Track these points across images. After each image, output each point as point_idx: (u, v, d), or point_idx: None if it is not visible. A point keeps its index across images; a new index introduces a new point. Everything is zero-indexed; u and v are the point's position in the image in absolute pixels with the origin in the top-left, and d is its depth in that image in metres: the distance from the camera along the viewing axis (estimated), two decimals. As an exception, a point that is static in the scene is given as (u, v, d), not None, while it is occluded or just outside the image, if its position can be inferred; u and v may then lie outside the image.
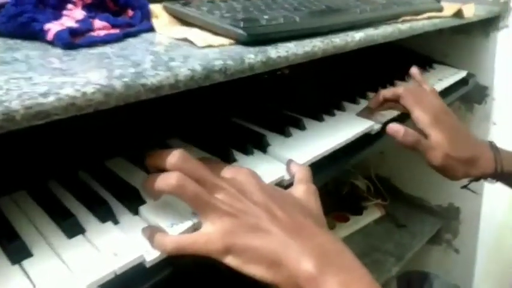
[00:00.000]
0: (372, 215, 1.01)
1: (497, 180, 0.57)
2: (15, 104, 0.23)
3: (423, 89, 0.55)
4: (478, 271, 1.00)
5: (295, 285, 0.29)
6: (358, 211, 1.01)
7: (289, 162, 0.41)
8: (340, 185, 1.03)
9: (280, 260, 0.29)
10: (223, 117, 0.53)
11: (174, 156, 0.32)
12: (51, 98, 0.24)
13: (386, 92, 0.53)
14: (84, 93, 0.26)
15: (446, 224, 1.02)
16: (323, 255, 0.29)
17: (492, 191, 0.91)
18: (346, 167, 0.49)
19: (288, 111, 0.55)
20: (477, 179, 0.58)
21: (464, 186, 0.62)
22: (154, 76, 0.29)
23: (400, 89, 0.53)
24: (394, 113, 0.57)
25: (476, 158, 0.53)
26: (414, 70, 0.57)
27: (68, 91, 0.25)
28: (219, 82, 0.34)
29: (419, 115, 0.50)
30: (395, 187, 1.10)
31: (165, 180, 0.30)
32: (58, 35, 0.36)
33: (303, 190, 0.36)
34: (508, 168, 0.54)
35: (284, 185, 0.41)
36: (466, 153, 0.51)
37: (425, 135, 0.50)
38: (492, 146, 0.56)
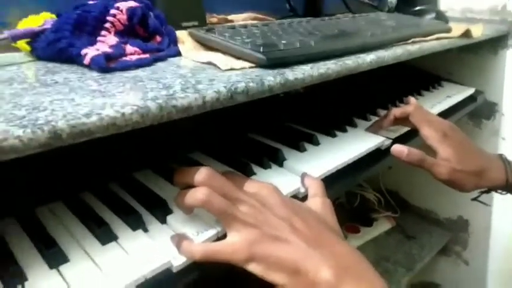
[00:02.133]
0: (382, 226, 1.03)
1: (507, 192, 0.58)
2: (62, 124, 0.26)
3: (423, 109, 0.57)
4: (490, 283, 1.00)
5: None
6: (369, 223, 1.03)
7: (303, 176, 0.44)
8: (351, 197, 1.05)
9: (301, 268, 0.31)
10: (242, 133, 0.56)
11: (202, 174, 0.34)
12: (93, 118, 0.27)
13: (397, 111, 0.56)
14: (123, 114, 0.28)
15: (455, 236, 1.04)
16: (342, 265, 0.31)
17: (502, 204, 0.92)
18: (358, 181, 0.51)
19: (303, 127, 0.58)
20: (488, 191, 0.60)
21: (475, 199, 0.63)
22: (184, 98, 0.32)
23: (409, 107, 0.55)
24: (404, 128, 0.59)
25: (486, 170, 0.54)
26: (409, 98, 0.60)
27: (108, 112, 0.28)
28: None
29: (428, 132, 0.53)
30: (404, 200, 1.12)
31: (194, 196, 0.33)
32: (94, 59, 0.39)
33: (320, 203, 0.39)
34: None
35: (300, 197, 0.43)
36: (474, 165, 0.53)
37: (434, 151, 0.52)
38: (502, 158, 0.58)
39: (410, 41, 0.57)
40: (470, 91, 0.79)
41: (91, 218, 0.37)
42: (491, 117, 0.88)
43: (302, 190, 0.43)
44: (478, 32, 0.69)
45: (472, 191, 0.55)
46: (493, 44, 0.81)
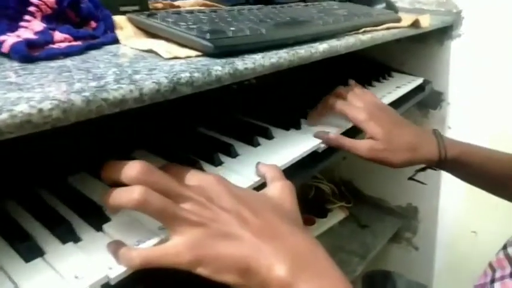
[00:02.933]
0: (337, 216, 1.04)
1: (441, 168, 0.59)
2: None
3: (355, 91, 0.56)
4: (438, 267, 1.05)
5: None
6: (324, 214, 1.03)
7: (257, 165, 0.41)
8: (306, 189, 1.05)
9: (252, 266, 0.29)
10: (191, 127, 0.52)
11: (134, 168, 0.30)
12: (4, 115, 0.23)
13: (322, 110, 0.55)
14: (41, 110, 0.24)
15: (406, 223, 1.07)
16: (296, 259, 0.29)
17: (448, 190, 0.96)
18: (313, 174, 0.50)
19: (255, 120, 0.55)
20: (423, 168, 0.60)
21: (411, 178, 0.64)
22: (117, 90, 0.28)
23: (329, 100, 0.54)
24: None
25: (418, 145, 0.54)
26: (350, 82, 0.61)
27: (22, 107, 0.24)
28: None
29: (353, 115, 0.52)
30: (358, 190, 1.14)
31: (127, 196, 0.29)
32: (14, 47, 0.34)
33: (278, 188, 0.36)
34: (451, 154, 0.55)
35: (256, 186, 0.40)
36: (404, 141, 0.53)
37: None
38: (436, 133, 0.57)
39: (361, 30, 0.56)
40: (418, 81, 0.81)
41: (13, 231, 0.32)
42: (437, 107, 0.90)
43: (257, 179, 0.40)
44: (426, 22, 0.70)
45: (403, 166, 0.54)
46: (439, 34, 0.83)
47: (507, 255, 0.44)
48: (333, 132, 0.52)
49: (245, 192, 0.34)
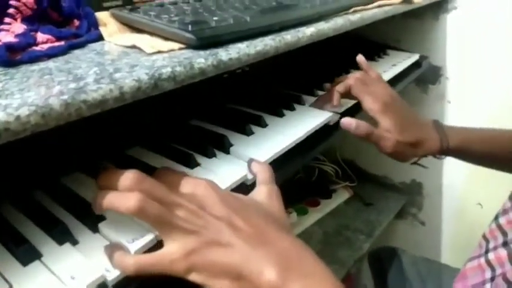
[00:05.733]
0: (341, 197, 1.04)
1: (446, 156, 0.60)
2: None
3: (371, 77, 0.57)
4: (445, 240, 1.05)
5: None
6: (328, 195, 1.03)
7: (249, 162, 0.41)
8: (309, 171, 1.05)
9: (243, 272, 0.29)
10: (183, 120, 0.52)
11: (128, 178, 0.31)
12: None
13: (339, 87, 0.55)
14: (18, 117, 0.24)
15: (411, 199, 1.07)
16: (285, 262, 0.30)
17: (452, 164, 0.95)
18: (310, 159, 0.50)
19: (248, 108, 0.55)
20: (425, 156, 0.61)
21: (414, 163, 0.65)
22: (97, 90, 0.27)
23: (349, 80, 0.54)
24: (350, 103, 0.58)
25: (422, 140, 0.56)
26: (360, 58, 0.59)
27: (-1, 115, 0.23)
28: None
29: (369, 103, 0.53)
30: (361, 168, 1.14)
31: (125, 203, 0.29)
32: (-7, 52, 0.34)
33: (266, 193, 0.37)
34: (453, 144, 0.57)
35: (247, 184, 0.41)
36: (413, 136, 0.54)
37: (376, 123, 0.52)
38: (437, 125, 0.59)
39: (351, 10, 0.55)
40: (414, 57, 0.79)
41: (9, 235, 0.32)
42: (436, 81, 0.89)
43: (250, 177, 0.41)
44: (419, -3, 0.68)
45: (410, 160, 0.57)
46: (434, 9, 0.81)
47: (499, 226, 0.45)
48: (338, 110, 0.53)
49: (235, 199, 0.34)
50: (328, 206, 1.01)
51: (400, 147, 0.53)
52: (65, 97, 0.26)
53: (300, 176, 1.04)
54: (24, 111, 0.24)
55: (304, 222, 0.93)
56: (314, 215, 0.97)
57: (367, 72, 0.57)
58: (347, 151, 1.13)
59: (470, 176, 0.93)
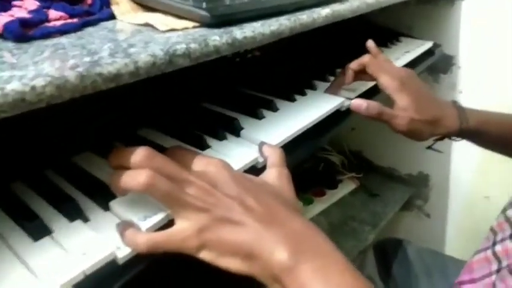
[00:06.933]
0: (347, 187, 1.04)
1: (463, 138, 0.59)
2: None
3: (384, 58, 0.56)
4: (450, 233, 1.05)
5: (271, 275, 0.29)
6: (334, 185, 1.03)
7: (261, 145, 0.41)
8: (316, 161, 1.04)
9: (254, 251, 0.29)
10: (195, 103, 0.51)
11: (139, 155, 0.30)
12: (-5, 94, 0.22)
13: (353, 64, 0.54)
14: (34, 87, 0.24)
15: (417, 191, 1.06)
16: (297, 242, 0.29)
17: (460, 156, 0.94)
18: (321, 144, 0.49)
19: (260, 93, 0.54)
20: (441, 138, 0.60)
21: (429, 147, 0.64)
22: (112, 64, 0.27)
23: (365, 58, 0.53)
24: (363, 88, 0.57)
25: (440, 117, 0.54)
26: (370, 43, 0.58)
27: (15, 85, 0.23)
28: (188, 67, 0.32)
29: (386, 81, 0.51)
30: (368, 159, 1.13)
31: (134, 179, 0.29)
32: (7, 27, 0.33)
33: (276, 175, 0.36)
34: (472, 124, 0.56)
35: (258, 167, 0.40)
36: (430, 114, 0.53)
37: (392, 101, 0.51)
38: (455, 104, 0.58)
39: (366, -7, 0.54)
40: (428, 45, 0.78)
41: (21, 211, 0.32)
42: (448, 71, 0.88)
43: (261, 160, 0.40)
44: (435, -18, 0.67)
45: (427, 139, 0.55)
46: (450, -6, 0.80)
47: (507, 218, 0.44)
48: (350, 96, 0.51)
49: (247, 179, 0.34)
50: (333, 196, 1.01)
51: (417, 125, 0.51)
52: (80, 69, 0.25)
53: (307, 166, 1.04)
54: (39, 82, 0.24)
55: (310, 212, 0.93)
56: (319, 205, 0.97)
57: (376, 58, 0.56)
58: (354, 142, 1.12)
59: (477, 168, 0.92)
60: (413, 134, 0.52)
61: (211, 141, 0.42)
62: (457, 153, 0.94)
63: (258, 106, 0.49)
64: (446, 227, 1.04)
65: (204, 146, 0.41)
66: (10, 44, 0.32)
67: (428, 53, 0.78)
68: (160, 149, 0.37)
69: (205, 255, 0.29)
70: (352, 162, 1.09)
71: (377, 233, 0.93)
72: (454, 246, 1.05)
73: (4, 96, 0.22)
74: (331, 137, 0.51)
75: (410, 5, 0.76)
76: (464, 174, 0.96)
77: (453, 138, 0.59)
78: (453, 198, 1.01)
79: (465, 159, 0.94)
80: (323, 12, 0.44)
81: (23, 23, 0.34)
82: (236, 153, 0.40)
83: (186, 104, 0.50)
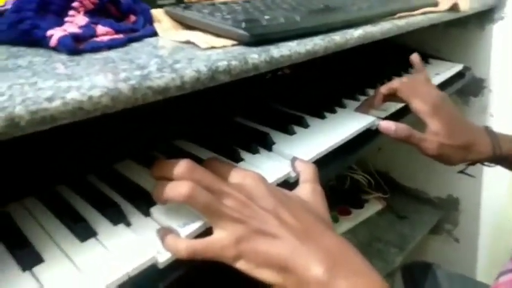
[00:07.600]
0: (373, 207, 1.03)
1: (496, 164, 0.58)
2: (19, 110, 0.23)
3: (418, 79, 0.56)
4: (481, 259, 1.01)
5: None
6: (360, 204, 1.02)
7: (293, 160, 0.42)
8: (341, 180, 1.04)
9: (289, 265, 0.29)
10: (229, 117, 0.53)
11: (181, 167, 0.32)
12: (56, 103, 0.24)
13: (382, 89, 0.54)
14: (91, 97, 0.26)
15: (446, 215, 1.04)
16: (332, 259, 0.30)
17: (491, 180, 0.92)
18: (350, 163, 0.50)
19: (291, 109, 0.56)
20: (474, 163, 0.59)
21: (461, 171, 0.63)
22: (160, 78, 0.29)
23: (395, 82, 0.54)
24: (393, 108, 0.58)
25: (472, 143, 0.53)
26: (415, 57, 0.58)
27: (74, 95, 0.25)
28: (223, 84, 0.34)
29: (418, 105, 0.52)
30: (394, 180, 1.12)
31: (176, 191, 0.31)
32: (61, 40, 0.36)
33: (310, 191, 0.37)
34: (506, 150, 0.55)
35: (290, 181, 0.41)
36: (462, 139, 0.52)
37: (424, 124, 0.51)
38: (488, 130, 0.57)
39: (397, 15, 0.55)
40: (458, 67, 0.78)
41: (68, 214, 0.34)
42: (479, 94, 0.87)
43: (293, 175, 0.41)
44: (465, 6, 0.67)
45: (458, 164, 0.55)
46: (480, 18, 0.80)
47: None
48: (381, 115, 0.51)
49: (283, 193, 0.35)
50: (359, 216, 1.00)
51: (447, 150, 0.51)
52: (133, 82, 0.28)
53: (332, 184, 1.04)
54: (96, 92, 0.26)
55: (336, 230, 0.92)
56: (345, 224, 0.96)
57: (419, 72, 0.56)
58: (380, 162, 1.11)
59: (508, 193, 0.90)
60: (443, 158, 0.52)
61: (244, 155, 0.44)
62: (487, 177, 0.92)
63: (289, 122, 0.50)
64: (476, 253, 1.01)
65: (237, 159, 0.43)
66: (63, 57, 0.35)
67: (459, 75, 0.77)
68: (197, 160, 0.39)
69: (241, 266, 0.30)
70: (378, 182, 1.07)
71: (405, 255, 0.91)
72: (484, 271, 1.01)
73: (65, 104, 0.25)
74: (361, 155, 0.52)
75: (438, 28, 0.76)
76: (495, 199, 0.93)
77: (486, 164, 0.58)
78: (483, 224, 0.98)
79: (496, 183, 0.91)
80: (356, 34, 0.45)
81: (74, 37, 0.37)
82: (268, 166, 0.41)
83: (220, 118, 0.52)
